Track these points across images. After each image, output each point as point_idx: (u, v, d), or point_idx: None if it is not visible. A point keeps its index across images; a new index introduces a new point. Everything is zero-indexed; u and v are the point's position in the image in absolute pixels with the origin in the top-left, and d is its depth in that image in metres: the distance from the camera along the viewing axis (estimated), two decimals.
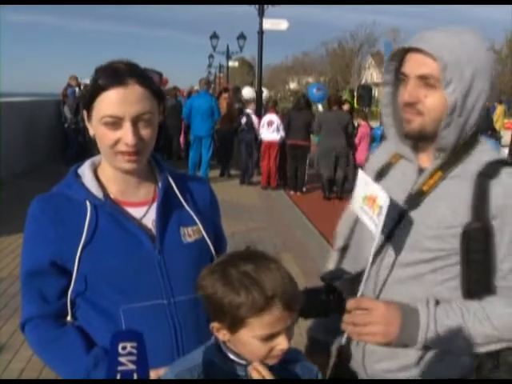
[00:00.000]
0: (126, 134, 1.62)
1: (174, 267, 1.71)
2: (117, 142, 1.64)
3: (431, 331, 1.65)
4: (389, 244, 1.75)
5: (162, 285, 1.69)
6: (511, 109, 30.22)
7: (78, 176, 1.76)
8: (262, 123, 13.13)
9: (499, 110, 21.25)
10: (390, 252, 1.74)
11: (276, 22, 17.66)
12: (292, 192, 12.67)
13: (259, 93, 16.97)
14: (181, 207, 1.80)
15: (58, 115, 15.30)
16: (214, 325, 1.47)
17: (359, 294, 1.73)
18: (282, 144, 12.97)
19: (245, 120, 13.45)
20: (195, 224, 1.80)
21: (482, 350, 1.69)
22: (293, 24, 18.26)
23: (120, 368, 1.30)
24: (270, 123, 12.94)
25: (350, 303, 1.70)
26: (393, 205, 1.67)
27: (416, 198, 1.74)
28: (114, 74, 1.63)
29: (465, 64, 1.64)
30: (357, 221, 1.91)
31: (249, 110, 13.67)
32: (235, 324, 1.42)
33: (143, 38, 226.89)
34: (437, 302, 1.69)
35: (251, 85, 23.10)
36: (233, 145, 14.42)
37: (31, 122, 14.22)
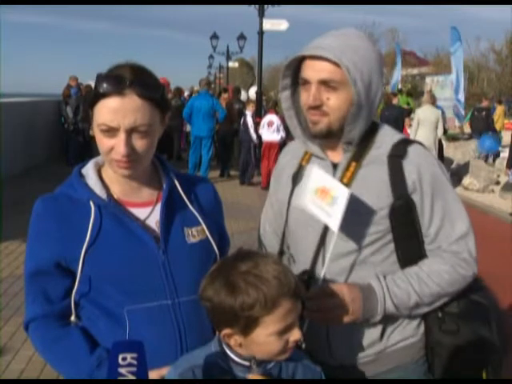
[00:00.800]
0: (119, 144, 1.61)
1: (178, 268, 1.71)
2: (111, 149, 1.63)
3: (388, 302, 1.81)
4: (328, 237, 1.84)
5: (166, 285, 1.69)
6: (511, 109, 30.17)
7: (81, 176, 1.76)
8: (262, 124, 13.14)
9: (499, 110, 21.22)
10: (330, 245, 1.81)
11: (276, 22, 17.65)
12: None
13: (259, 93, 16.96)
14: (185, 208, 1.80)
15: (58, 115, 15.29)
16: (226, 332, 1.46)
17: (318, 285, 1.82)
18: (282, 144, 12.97)
19: (242, 121, 13.48)
20: (199, 224, 1.80)
21: (431, 307, 1.87)
22: (293, 24, 18.27)
23: (120, 379, 1.30)
24: (270, 123, 12.95)
25: (313, 291, 1.78)
26: None
27: None
28: (115, 82, 1.61)
29: (362, 64, 1.78)
30: (286, 223, 2.00)
31: (247, 112, 13.67)
32: (249, 325, 1.42)
33: (143, 38, 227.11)
34: (384, 277, 1.85)
35: (251, 85, 23.04)
36: (233, 145, 14.41)
37: (31, 122, 14.23)
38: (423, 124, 12.19)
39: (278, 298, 1.40)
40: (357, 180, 1.86)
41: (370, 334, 1.89)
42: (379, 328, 1.89)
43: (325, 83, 1.78)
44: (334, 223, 1.74)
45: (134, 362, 1.32)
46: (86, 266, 1.65)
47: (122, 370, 1.31)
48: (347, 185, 1.83)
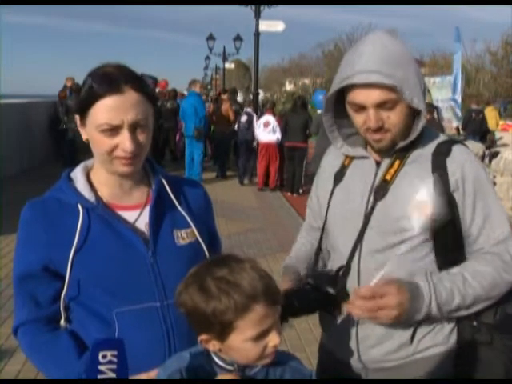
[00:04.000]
0: (124, 141, 1.62)
1: (168, 270, 1.71)
2: (114, 147, 1.64)
3: (433, 303, 1.78)
4: (365, 233, 1.85)
5: (155, 287, 1.69)
6: (507, 110, 30.22)
7: (70, 180, 1.76)
8: (258, 124, 13.14)
9: (487, 111, 21.02)
10: (367, 241, 1.84)
11: (272, 23, 17.68)
12: (289, 193, 12.67)
13: (255, 94, 16.98)
14: (174, 210, 1.81)
15: (54, 116, 15.25)
16: (202, 337, 1.46)
17: (352, 285, 1.83)
18: (278, 145, 12.97)
19: (245, 118, 13.44)
20: (189, 226, 1.80)
21: (469, 311, 1.83)
22: (289, 25, 18.29)
23: (100, 376, 1.32)
24: (266, 124, 12.94)
25: (363, 291, 1.76)
26: (362, 198, 1.89)
27: (382, 187, 1.88)
28: (109, 80, 1.61)
29: (406, 72, 1.78)
30: (325, 220, 2.02)
31: (249, 109, 13.69)
32: (223, 331, 1.42)
33: (139, 39, 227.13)
34: (431, 274, 1.81)
35: (247, 87, 23.02)
36: (229, 146, 14.42)
37: (28, 123, 14.21)
38: None
39: (249, 303, 1.39)
40: (400, 177, 1.87)
41: (400, 336, 1.87)
42: (410, 331, 1.86)
43: (381, 105, 1.78)
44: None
45: (114, 360, 1.33)
46: (74, 269, 1.65)
47: (102, 368, 1.32)
48: (390, 181, 1.87)
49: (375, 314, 1.75)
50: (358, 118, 1.84)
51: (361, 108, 1.81)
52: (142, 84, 1.67)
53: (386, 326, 1.86)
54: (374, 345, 1.89)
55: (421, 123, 1.83)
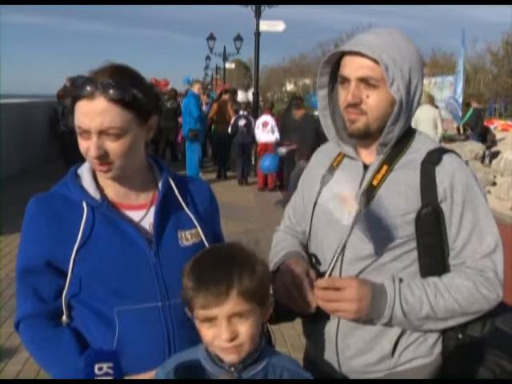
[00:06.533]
0: (90, 147, 1.63)
1: (170, 270, 1.70)
2: (87, 151, 1.65)
3: (397, 306, 1.73)
4: (348, 240, 1.78)
5: (157, 287, 1.69)
6: (507, 110, 30.20)
7: (77, 176, 1.76)
8: (256, 124, 13.14)
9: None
10: (350, 247, 1.79)
11: (273, 23, 17.67)
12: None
13: (256, 95, 16.98)
14: (180, 210, 1.80)
15: (54, 117, 15.24)
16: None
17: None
18: (276, 145, 12.97)
19: (244, 122, 13.45)
20: (194, 227, 1.80)
21: (445, 325, 1.77)
22: (289, 25, 18.29)
23: (113, 379, 1.33)
24: (264, 124, 12.95)
25: (323, 282, 1.74)
26: None
27: (368, 193, 1.80)
28: (85, 85, 1.61)
29: (401, 62, 1.74)
30: (311, 222, 1.97)
31: (245, 113, 13.68)
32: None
33: (140, 39, 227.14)
34: (400, 280, 1.77)
35: (248, 87, 23.00)
36: (230, 147, 14.41)
37: (27, 123, 14.21)
38: (421, 123, 12.18)
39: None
40: (387, 183, 1.80)
41: (381, 349, 1.82)
42: (392, 343, 1.81)
43: (364, 81, 1.74)
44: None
45: (111, 372, 1.35)
46: (76, 266, 1.66)
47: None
48: (376, 187, 1.80)
49: (335, 305, 1.73)
50: (342, 94, 1.81)
51: (346, 81, 1.77)
52: (118, 92, 1.60)
53: (367, 336, 1.81)
54: (354, 356, 1.85)
55: (394, 111, 1.75)
